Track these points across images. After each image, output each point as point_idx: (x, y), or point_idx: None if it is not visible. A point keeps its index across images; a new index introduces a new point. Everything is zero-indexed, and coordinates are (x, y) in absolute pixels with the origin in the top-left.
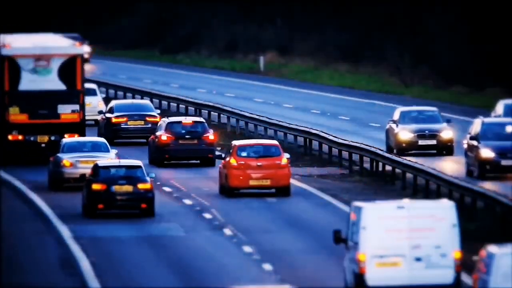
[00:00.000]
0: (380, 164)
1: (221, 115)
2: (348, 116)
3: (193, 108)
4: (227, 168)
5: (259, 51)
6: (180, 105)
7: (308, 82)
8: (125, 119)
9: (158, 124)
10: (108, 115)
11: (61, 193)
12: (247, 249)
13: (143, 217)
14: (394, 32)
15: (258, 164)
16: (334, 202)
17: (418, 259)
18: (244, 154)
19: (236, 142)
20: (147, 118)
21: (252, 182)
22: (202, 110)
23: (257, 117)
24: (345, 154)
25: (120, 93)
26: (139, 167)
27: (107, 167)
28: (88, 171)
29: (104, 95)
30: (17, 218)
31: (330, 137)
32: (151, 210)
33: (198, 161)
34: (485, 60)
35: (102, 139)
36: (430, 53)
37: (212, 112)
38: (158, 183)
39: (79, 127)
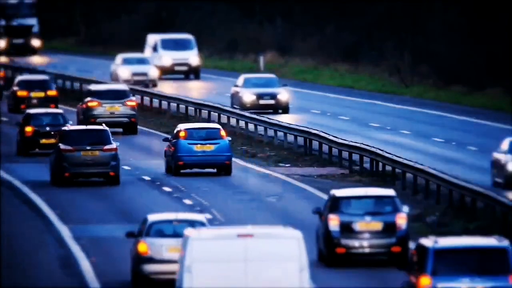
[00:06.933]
0: (380, 164)
1: (221, 115)
2: (348, 116)
3: (193, 108)
4: None
5: (259, 51)
6: (180, 105)
7: (308, 82)
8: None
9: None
10: None
11: (61, 193)
12: None
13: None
14: (394, 32)
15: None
16: None
17: None
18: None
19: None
20: None
21: None
22: (202, 110)
23: (257, 117)
24: (345, 154)
25: None
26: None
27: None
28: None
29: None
30: (17, 218)
31: (330, 137)
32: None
33: None
34: (485, 60)
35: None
36: (430, 52)
37: (212, 112)
38: (158, 183)
39: None
